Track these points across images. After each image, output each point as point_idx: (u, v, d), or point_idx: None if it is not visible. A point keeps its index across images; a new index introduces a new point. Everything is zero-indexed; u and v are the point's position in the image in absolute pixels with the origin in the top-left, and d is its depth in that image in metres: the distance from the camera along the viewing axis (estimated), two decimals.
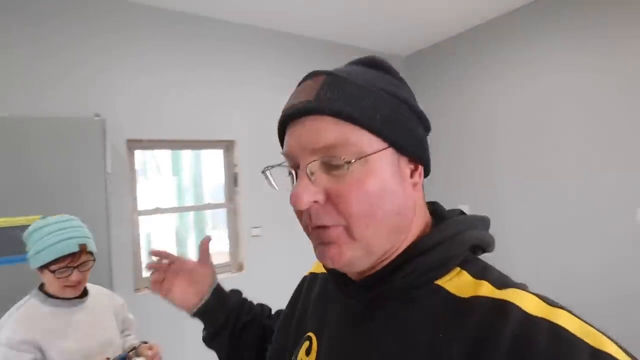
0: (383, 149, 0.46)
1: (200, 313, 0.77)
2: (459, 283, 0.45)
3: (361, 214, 0.45)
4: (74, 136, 2.25)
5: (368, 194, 0.45)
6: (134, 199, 2.83)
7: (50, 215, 2.07)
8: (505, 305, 0.40)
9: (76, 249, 1.25)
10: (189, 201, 4.50)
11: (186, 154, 4.38)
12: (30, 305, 1.26)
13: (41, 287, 1.32)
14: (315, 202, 0.46)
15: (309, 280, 0.69)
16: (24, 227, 2.04)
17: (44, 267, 1.23)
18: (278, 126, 0.53)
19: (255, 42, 3.36)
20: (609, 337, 0.37)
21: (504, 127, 3.40)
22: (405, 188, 0.48)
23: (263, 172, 0.55)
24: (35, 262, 1.23)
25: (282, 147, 0.53)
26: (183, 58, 2.97)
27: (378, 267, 0.49)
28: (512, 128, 3.33)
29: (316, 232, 0.48)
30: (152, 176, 3.80)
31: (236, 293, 0.83)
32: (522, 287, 0.43)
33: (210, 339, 0.79)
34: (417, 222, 0.50)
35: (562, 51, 2.98)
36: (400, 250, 0.49)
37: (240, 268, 3.23)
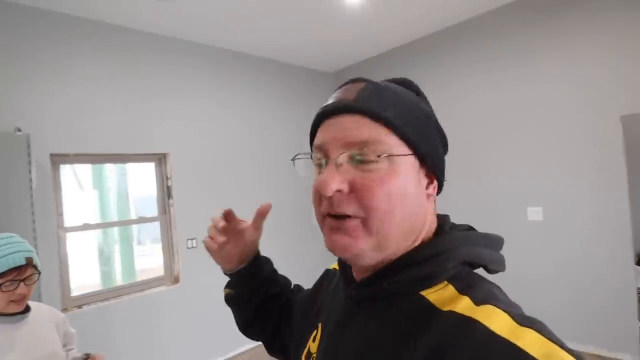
0: (408, 155, 0.49)
1: (234, 276, 0.80)
2: (442, 296, 0.47)
3: (381, 209, 0.47)
4: None
5: (390, 191, 0.48)
6: (60, 215, 2.73)
7: None
8: (470, 323, 0.41)
9: (23, 262, 1.26)
10: (114, 216, 4.34)
11: (109, 168, 4.25)
12: None
13: None
14: (339, 190, 0.49)
15: (331, 275, 0.73)
16: None
17: None
18: (313, 121, 0.55)
19: (190, 55, 3.42)
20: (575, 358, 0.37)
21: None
22: (421, 195, 0.51)
23: (292, 159, 0.58)
24: None
25: (311, 142, 0.56)
26: (113, 70, 2.94)
27: (377, 269, 0.52)
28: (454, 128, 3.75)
29: (333, 220, 0.50)
30: (73, 192, 3.65)
31: (268, 263, 0.84)
32: (508, 305, 0.44)
33: (235, 301, 0.82)
34: (425, 230, 0.53)
35: (475, 73, 3.45)
36: (399, 255, 0.51)
37: (176, 280, 3.23)
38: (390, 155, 0.48)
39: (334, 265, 0.72)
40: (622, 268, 2.81)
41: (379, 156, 0.48)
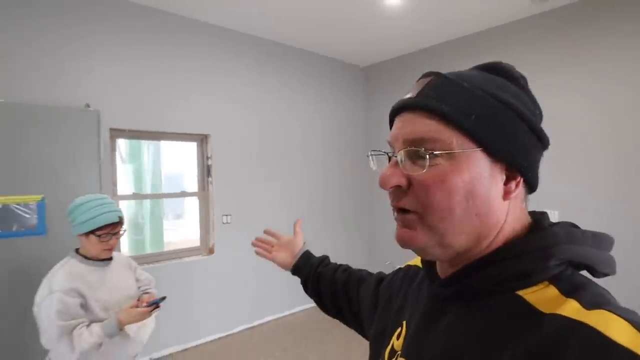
0: (473, 149, 0.47)
1: (293, 271, 1.04)
2: (543, 297, 0.43)
3: (438, 207, 0.47)
4: (69, 124, 2.45)
5: (448, 189, 0.46)
6: (114, 184, 3.03)
7: (52, 194, 2.28)
8: (582, 328, 0.37)
9: (116, 219, 1.55)
10: (147, 189, 4.66)
11: (145, 145, 4.54)
12: (72, 264, 1.54)
13: (77, 251, 1.59)
14: (399, 185, 0.49)
15: (414, 272, 0.71)
16: (26, 205, 2.25)
17: (90, 233, 1.50)
18: (389, 117, 0.56)
19: (233, 45, 3.67)
20: None
21: None
22: (493, 193, 0.48)
23: (368, 155, 0.60)
24: (83, 229, 1.49)
25: None
26: (165, 55, 3.20)
27: (460, 266, 0.50)
28: None
29: (397, 213, 0.52)
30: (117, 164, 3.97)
31: (321, 256, 1.07)
32: (625, 312, 0.38)
33: (304, 289, 1.04)
34: (507, 230, 0.49)
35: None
36: (484, 254, 0.49)
37: (210, 252, 3.54)
38: (448, 152, 0.46)
39: (415, 261, 0.72)
40: (637, 271, 2.90)
41: (436, 153, 0.47)
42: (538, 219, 0.52)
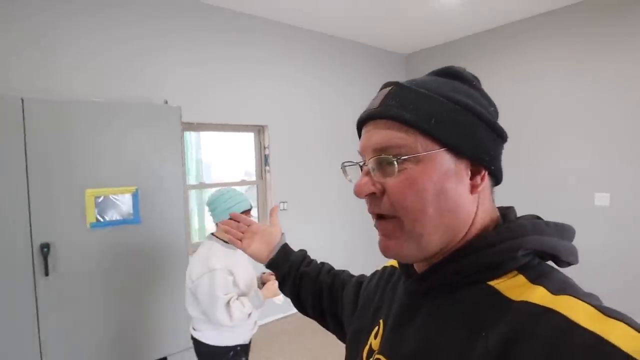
0: (437, 150, 0.49)
1: (270, 264, 0.94)
2: (512, 285, 0.45)
3: (412, 209, 0.49)
4: (156, 120, 2.62)
5: (419, 190, 0.48)
6: (183, 174, 3.22)
7: (144, 185, 2.47)
8: (549, 313, 0.39)
9: (249, 206, 1.83)
10: (193, 179, 4.88)
11: (188, 136, 4.70)
12: (217, 247, 1.80)
13: (215, 235, 1.86)
14: (373, 193, 0.52)
15: (389, 271, 0.73)
16: (123, 196, 2.44)
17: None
18: (357, 127, 0.58)
19: (288, 39, 3.80)
20: None
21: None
22: (461, 189, 0.50)
23: (341, 167, 0.63)
24: (225, 215, 1.75)
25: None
26: (228, 54, 3.36)
27: (434, 261, 0.52)
28: (509, 127, 4.02)
29: (378, 223, 0.54)
30: None
31: (301, 251, 0.98)
32: (588, 297, 0.41)
33: (281, 286, 0.96)
34: (479, 223, 0.52)
35: (553, 61, 3.69)
36: (456, 247, 0.51)
37: None
38: (414, 155, 0.49)
39: (392, 262, 0.74)
40: None
41: (403, 158, 0.49)
42: (505, 212, 0.55)
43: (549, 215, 0.51)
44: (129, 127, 2.49)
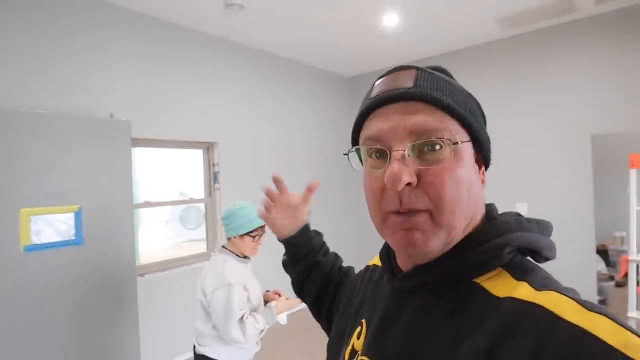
0: (468, 141, 0.48)
1: (287, 242, 0.86)
2: (497, 282, 0.45)
3: (450, 199, 0.45)
4: (102, 134, 2.46)
5: (459, 179, 0.46)
6: (131, 192, 3.03)
7: (87, 204, 2.30)
8: (534, 308, 0.39)
9: (262, 222, 1.76)
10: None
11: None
12: (231, 261, 1.78)
13: (227, 248, 1.83)
14: (409, 184, 0.45)
15: (371, 270, 0.70)
16: (64, 216, 2.24)
17: (245, 234, 1.75)
18: (361, 112, 0.52)
19: (239, 58, 3.82)
20: None
21: None
22: (477, 180, 0.50)
23: (346, 154, 0.55)
24: (241, 230, 1.75)
25: (359, 132, 0.54)
26: (178, 70, 3.28)
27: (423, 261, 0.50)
28: None
29: (399, 217, 0.47)
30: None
31: (319, 235, 0.91)
32: (569, 292, 0.41)
33: (288, 265, 0.90)
34: (480, 215, 0.51)
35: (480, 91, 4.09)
36: (454, 244, 0.49)
37: None
38: (455, 143, 0.46)
39: (373, 261, 0.72)
40: (585, 254, 3.58)
41: (444, 146, 0.46)
42: (488, 209, 0.54)
43: None
44: (71, 141, 2.32)
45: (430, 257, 0.49)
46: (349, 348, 0.60)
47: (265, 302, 1.91)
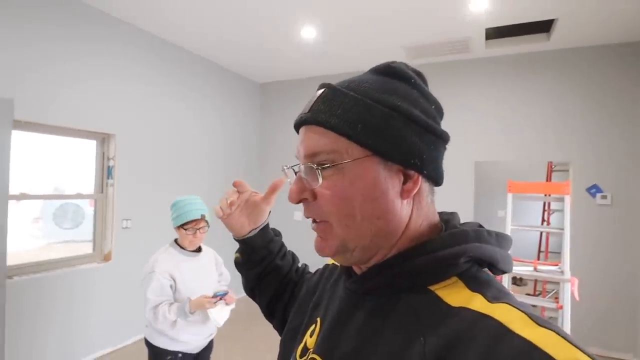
0: (364, 157, 0.48)
1: (244, 242, 0.80)
2: (452, 291, 0.45)
3: (339, 215, 0.49)
4: None
5: (345, 198, 0.48)
6: (7, 181, 2.64)
7: None
8: (485, 319, 0.40)
9: (198, 216, 1.84)
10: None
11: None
12: (170, 251, 1.90)
13: (175, 241, 1.94)
14: (305, 199, 0.52)
15: (330, 269, 0.71)
16: None
17: (180, 226, 1.84)
18: (295, 130, 0.57)
19: (145, 47, 3.58)
20: None
21: None
22: (392, 194, 0.49)
23: (282, 170, 0.61)
24: (175, 223, 1.86)
25: None
26: (73, 50, 2.96)
27: (374, 262, 0.51)
28: None
29: (312, 224, 0.54)
30: None
31: (278, 236, 0.86)
32: (521, 305, 0.42)
33: (242, 266, 0.83)
34: (413, 228, 0.51)
35: None
36: (398, 250, 0.50)
37: (106, 259, 3.31)
38: (339, 163, 0.48)
39: (329, 260, 0.72)
40: None
41: (326, 166, 0.49)
42: (448, 218, 0.55)
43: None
44: None
45: (348, 263, 0.54)
46: (302, 345, 0.60)
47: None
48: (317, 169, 0.49)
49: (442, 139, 0.53)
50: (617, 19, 3.06)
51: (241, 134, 4.93)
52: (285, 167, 0.61)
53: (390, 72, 0.54)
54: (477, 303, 0.42)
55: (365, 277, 0.53)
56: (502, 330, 0.38)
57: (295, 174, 0.55)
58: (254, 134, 5.17)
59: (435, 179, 0.53)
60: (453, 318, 0.42)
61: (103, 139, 3.34)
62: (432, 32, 3.44)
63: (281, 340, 0.69)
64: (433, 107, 0.54)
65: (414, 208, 0.51)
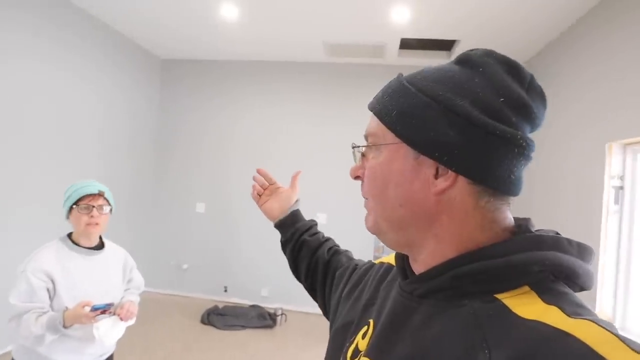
0: (396, 143, 0.49)
1: (277, 225, 0.97)
2: (522, 302, 0.41)
3: (371, 194, 0.54)
4: None
5: (374, 177, 0.52)
6: None
7: None
8: (564, 337, 0.35)
9: (95, 191, 1.50)
10: None
11: None
12: (57, 246, 1.49)
13: (69, 236, 1.54)
14: (358, 176, 0.57)
15: (385, 269, 0.68)
16: None
17: (72, 208, 1.47)
18: None
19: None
20: None
21: (233, 139, 4.53)
22: (417, 186, 0.48)
23: (352, 148, 0.61)
24: (67, 205, 1.48)
25: None
26: None
27: (432, 264, 0.48)
28: (240, 140, 4.50)
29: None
30: None
31: (310, 221, 0.99)
32: (607, 325, 0.36)
33: (282, 247, 0.97)
34: (466, 231, 0.47)
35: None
36: (449, 252, 0.47)
37: None
38: (374, 145, 0.53)
39: (388, 259, 0.70)
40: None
41: (364, 146, 0.55)
42: (522, 223, 0.49)
43: None
44: None
45: (385, 242, 0.55)
46: (353, 347, 0.58)
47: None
48: (362, 148, 0.55)
49: (502, 137, 0.44)
50: (509, 40, 3.49)
51: (137, 112, 4.31)
52: (353, 145, 0.62)
53: (461, 60, 0.51)
54: (554, 317, 0.37)
55: (423, 278, 0.49)
56: (586, 351, 0.33)
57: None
58: (152, 111, 4.60)
59: (486, 180, 0.45)
60: (525, 332, 0.37)
61: None
62: (352, 32, 3.51)
63: (331, 336, 0.68)
64: (502, 100, 0.45)
65: (449, 210, 0.47)
